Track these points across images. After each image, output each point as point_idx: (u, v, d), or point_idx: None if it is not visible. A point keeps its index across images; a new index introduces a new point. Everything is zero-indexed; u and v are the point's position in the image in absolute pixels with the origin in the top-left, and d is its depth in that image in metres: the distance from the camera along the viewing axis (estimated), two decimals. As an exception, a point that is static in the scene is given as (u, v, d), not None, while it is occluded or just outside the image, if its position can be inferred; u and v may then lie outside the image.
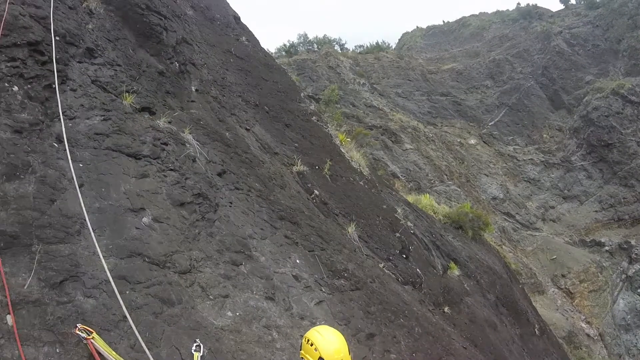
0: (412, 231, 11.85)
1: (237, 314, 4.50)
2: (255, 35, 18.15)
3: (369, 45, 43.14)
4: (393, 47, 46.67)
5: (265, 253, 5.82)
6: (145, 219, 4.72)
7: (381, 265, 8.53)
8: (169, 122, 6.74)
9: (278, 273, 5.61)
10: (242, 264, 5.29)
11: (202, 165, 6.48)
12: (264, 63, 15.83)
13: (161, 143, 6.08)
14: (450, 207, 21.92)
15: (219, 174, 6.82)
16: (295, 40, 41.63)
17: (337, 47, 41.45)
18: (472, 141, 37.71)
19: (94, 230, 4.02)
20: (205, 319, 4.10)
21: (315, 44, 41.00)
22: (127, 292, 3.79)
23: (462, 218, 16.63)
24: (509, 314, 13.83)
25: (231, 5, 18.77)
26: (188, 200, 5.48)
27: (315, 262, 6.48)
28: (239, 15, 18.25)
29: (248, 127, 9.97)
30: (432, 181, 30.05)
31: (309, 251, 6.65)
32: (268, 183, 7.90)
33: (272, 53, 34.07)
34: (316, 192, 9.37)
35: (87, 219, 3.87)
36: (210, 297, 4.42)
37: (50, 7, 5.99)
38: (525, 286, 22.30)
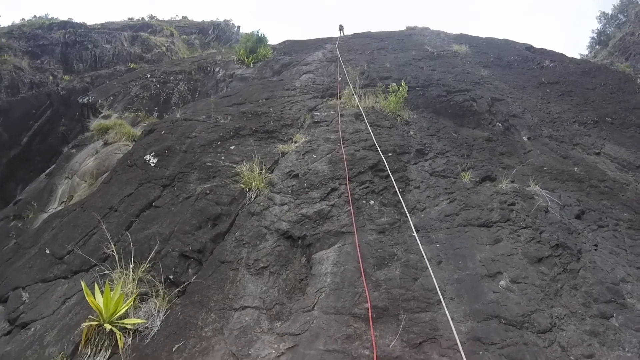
0: None
1: (601, 377, 3.68)
2: (557, 51, 16.58)
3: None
4: None
5: (643, 297, 4.56)
6: (502, 282, 4.76)
7: None
8: (512, 182, 6.82)
9: (661, 321, 4.24)
10: (612, 315, 4.36)
11: (556, 213, 6.05)
12: (582, 72, 13.86)
13: (508, 205, 6.17)
14: None
15: (577, 216, 6.13)
16: (599, 26, 32.25)
17: (639, -3, 28.81)
18: None
19: (453, 299, 4.52)
20: (560, 382, 3.71)
21: (619, 14, 30.15)
22: (481, 352, 3.88)
23: None
24: None
25: (518, 39, 17.99)
26: (546, 254, 5.16)
27: None
28: (530, 43, 17.31)
29: (597, 151, 8.60)
30: None
31: None
32: (640, 207, 6.35)
33: (584, 56, 28.54)
34: None
35: (438, 291, 4.42)
36: (571, 357, 3.89)
37: (372, 136, 7.80)
38: None
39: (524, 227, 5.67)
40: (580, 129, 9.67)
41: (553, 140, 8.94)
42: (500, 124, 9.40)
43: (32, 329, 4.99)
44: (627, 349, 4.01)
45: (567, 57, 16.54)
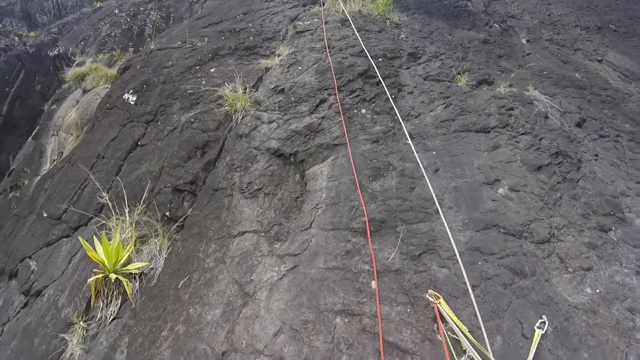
0: None
1: (597, 291, 3.62)
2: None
3: None
4: None
5: (642, 213, 4.43)
6: (501, 190, 4.57)
7: None
8: (510, 86, 6.45)
9: (659, 236, 4.15)
10: (611, 229, 4.22)
11: (556, 120, 5.76)
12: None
13: (506, 110, 5.83)
14: None
15: (578, 124, 5.87)
16: None
17: None
18: None
19: (451, 208, 4.35)
20: (558, 294, 3.58)
21: None
22: (480, 262, 3.77)
23: None
24: None
25: None
26: (545, 162, 4.93)
27: None
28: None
29: (599, 58, 8.20)
30: None
31: None
32: (640, 119, 6.12)
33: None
34: None
35: (435, 201, 4.23)
36: (569, 269, 3.79)
37: (360, 41, 7.18)
38: None
39: (522, 133, 5.38)
40: (582, 34, 9.15)
41: (553, 44, 8.46)
42: (497, 25, 8.81)
43: (46, 295, 4.88)
44: (624, 264, 3.90)
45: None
